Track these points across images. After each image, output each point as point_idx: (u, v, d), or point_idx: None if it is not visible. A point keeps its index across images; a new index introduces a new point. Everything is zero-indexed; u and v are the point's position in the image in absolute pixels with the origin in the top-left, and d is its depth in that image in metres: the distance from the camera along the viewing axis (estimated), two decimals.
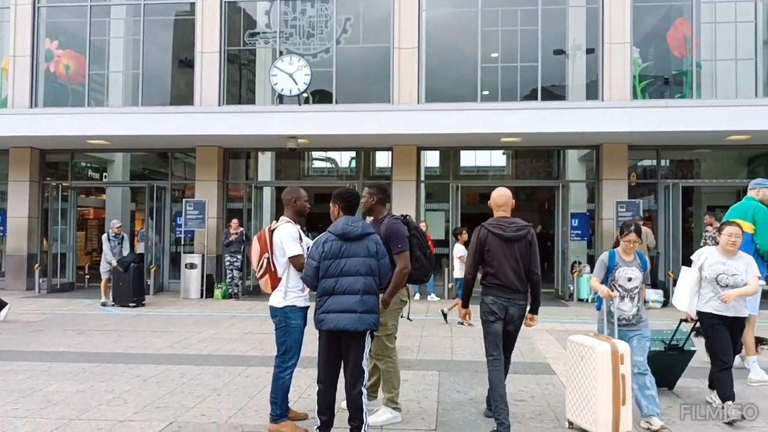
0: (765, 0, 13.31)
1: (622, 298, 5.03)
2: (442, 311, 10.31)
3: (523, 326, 5.00)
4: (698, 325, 5.58)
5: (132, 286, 11.89)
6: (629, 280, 5.03)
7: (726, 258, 5.35)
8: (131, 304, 11.77)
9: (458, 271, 10.48)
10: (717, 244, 11.82)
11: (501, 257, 4.90)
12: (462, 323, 9.79)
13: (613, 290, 5.02)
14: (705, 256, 5.51)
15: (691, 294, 5.48)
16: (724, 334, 5.23)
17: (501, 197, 5.12)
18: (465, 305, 5.32)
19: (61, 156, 15.46)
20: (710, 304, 5.30)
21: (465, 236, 10.31)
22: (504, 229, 4.94)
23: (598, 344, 4.69)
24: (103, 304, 12.04)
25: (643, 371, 4.91)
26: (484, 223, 5.09)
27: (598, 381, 4.59)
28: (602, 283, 5.15)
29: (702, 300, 5.37)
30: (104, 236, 12.46)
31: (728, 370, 5.15)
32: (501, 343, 4.93)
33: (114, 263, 12.02)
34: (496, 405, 4.72)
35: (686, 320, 5.69)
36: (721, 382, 5.14)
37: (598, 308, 5.23)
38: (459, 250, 10.44)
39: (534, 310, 5.03)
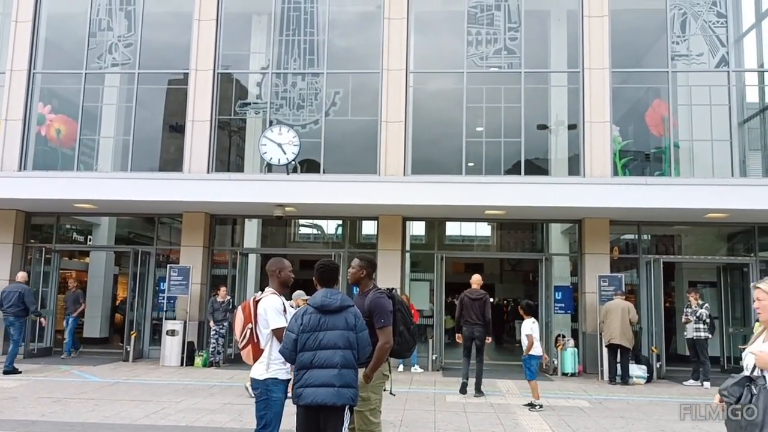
0: (738, 85, 13.91)
1: None
2: (532, 404, 9.13)
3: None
4: None
5: None
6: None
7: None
8: None
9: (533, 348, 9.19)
10: (699, 319, 12.01)
11: (469, 308, 10.32)
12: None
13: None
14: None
15: None
16: None
17: (475, 279, 10.78)
18: (458, 331, 10.58)
19: (47, 219, 15.43)
20: None
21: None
22: (472, 295, 10.44)
23: None
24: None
25: None
26: (464, 291, 10.62)
27: None
28: None
29: None
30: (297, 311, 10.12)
31: None
32: (470, 353, 10.31)
33: None
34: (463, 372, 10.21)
35: None
36: None
37: None
38: (526, 328, 9.27)
39: (489, 335, 10.45)
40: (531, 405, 9.10)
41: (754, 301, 3.70)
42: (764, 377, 3.50)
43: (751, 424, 3.43)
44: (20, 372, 11.43)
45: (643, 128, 14.10)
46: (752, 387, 3.50)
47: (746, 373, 3.66)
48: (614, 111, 13.68)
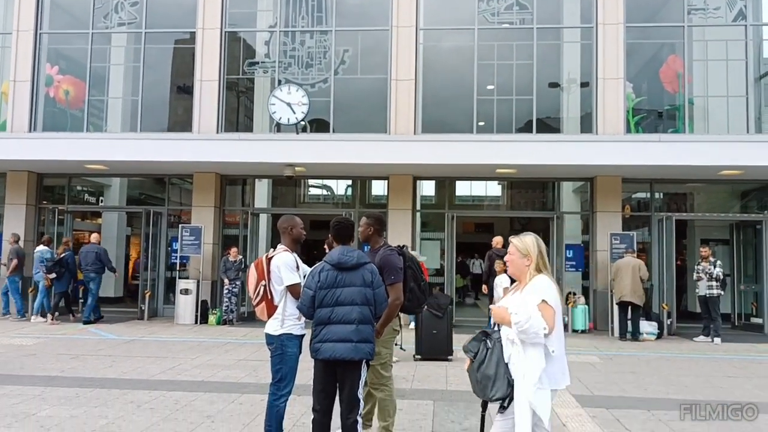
0: (755, 40, 13.60)
1: None
2: None
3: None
4: None
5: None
6: None
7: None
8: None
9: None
10: (711, 277, 11.95)
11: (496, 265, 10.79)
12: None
13: None
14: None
15: None
16: None
17: (497, 240, 12.07)
18: (485, 282, 11.78)
19: (59, 180, 15.51)
20: None
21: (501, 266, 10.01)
22: (500, 253, 10.58)
23: None
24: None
25: None
26: (492, 249, 11.83)
27: None
28: None
29: None
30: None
31: None
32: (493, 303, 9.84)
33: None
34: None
35: None
36: None
37: None
38: (505, 281, 9.79)
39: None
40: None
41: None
42: (499, 331, 3.57)
43: (485, 377, 3.54)
44: (103, 317, 13.35)
45: (658, 85, 13.89)
46: (487, 341, 3.61)
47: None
48: (628, 67, 13.47)
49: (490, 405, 3.71)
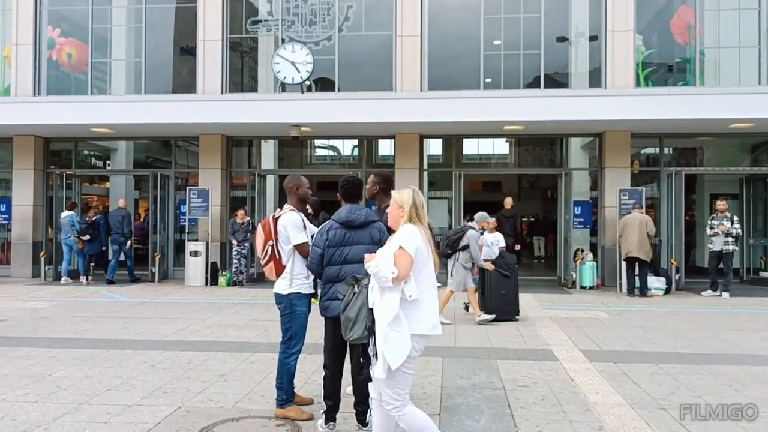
0: None
1: None
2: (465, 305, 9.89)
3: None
4: None
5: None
6: None
7: None
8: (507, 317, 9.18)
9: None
10: (727, 235, 11.78)
11: (504, 224, 11.87)
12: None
13: None
14: None
15: None
16: None
17: (507, 201, 13.27)
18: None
19: (65, 144, 15.51)
20: None
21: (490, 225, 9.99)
22: (506, 213, 11.95)
23: None
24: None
25: None
26: (501, 210, 12.80)
27: None
28: None
29: None
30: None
31: None
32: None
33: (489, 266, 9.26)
34: None
35: None
36: None
37: None
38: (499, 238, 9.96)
39: (518, 243, 13.13)
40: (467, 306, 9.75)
41: None
42: (369, 277, 3.72)
43: (347, 319, 3.78)
44: (115, 282, 13.51)
45: (668, 37, 13.63)
46: (356, 286, 3.84)
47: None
48: (638, 19, 13.21)
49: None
